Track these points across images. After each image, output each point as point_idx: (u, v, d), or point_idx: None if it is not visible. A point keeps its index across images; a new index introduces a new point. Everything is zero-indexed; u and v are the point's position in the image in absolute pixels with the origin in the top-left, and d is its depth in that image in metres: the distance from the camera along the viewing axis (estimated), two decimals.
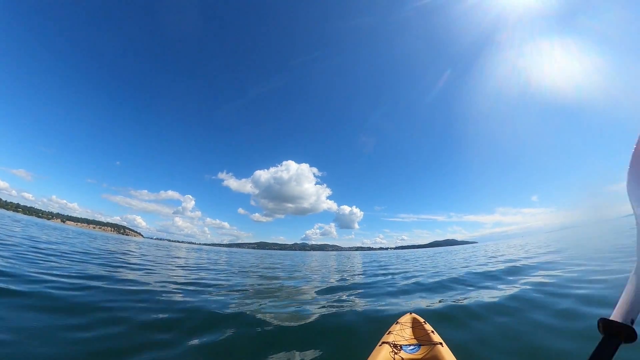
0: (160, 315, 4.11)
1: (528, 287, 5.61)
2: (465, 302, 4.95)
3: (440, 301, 5.23)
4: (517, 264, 9.80)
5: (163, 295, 5.42)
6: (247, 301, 5.45)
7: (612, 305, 0.89)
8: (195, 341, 3.27)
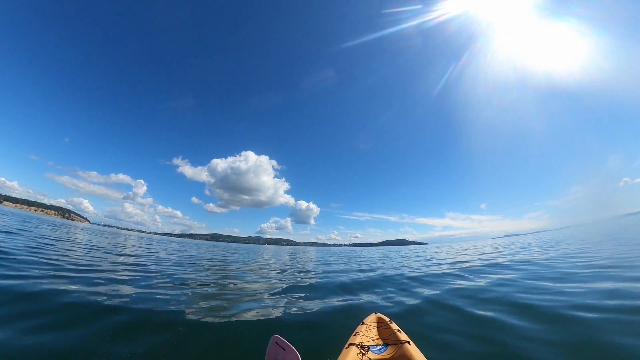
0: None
1: (486, 283, 6.02)
2: (426, 298, 5.16)
3: (401, 299, 5.37)
4: (468, 265, 10.51)
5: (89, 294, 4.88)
6: (194, 299, 5.13)
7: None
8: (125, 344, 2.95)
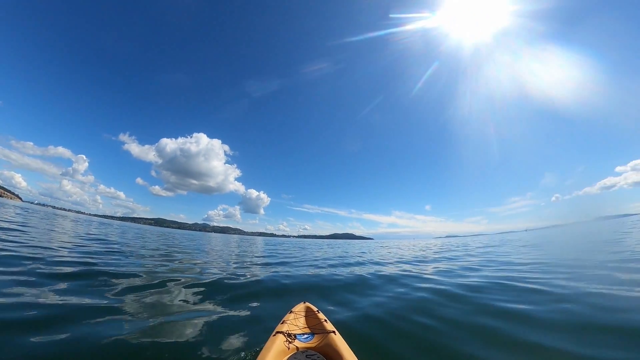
0: None
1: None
2: (356, 290, 5.39)
3: (333, 289, 5.54)
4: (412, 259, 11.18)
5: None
6: (126, 291, 4.77)
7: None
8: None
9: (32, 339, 2.61)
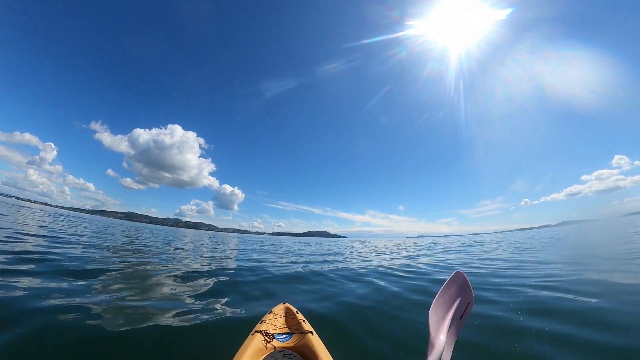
0: None
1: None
2: (335, 290, 5.48)
3: (311, 289, 5.59)
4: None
5: None
6: (98, 291, 4.59)
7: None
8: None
9: None
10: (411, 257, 12.44)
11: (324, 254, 14.66)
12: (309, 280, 6.57)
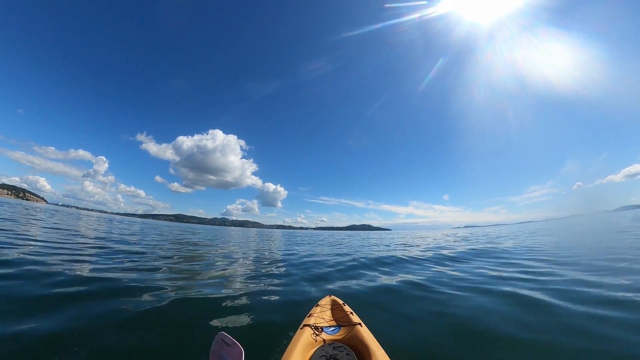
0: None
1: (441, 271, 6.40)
2: (383, 283, 5.39)
3: (357, 282, 5.54)
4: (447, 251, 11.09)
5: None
6: (163, 284, 4.96)
7: None
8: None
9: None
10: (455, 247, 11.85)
11: (369, 246, 14.53)
12: (354, 273, 6.55)
